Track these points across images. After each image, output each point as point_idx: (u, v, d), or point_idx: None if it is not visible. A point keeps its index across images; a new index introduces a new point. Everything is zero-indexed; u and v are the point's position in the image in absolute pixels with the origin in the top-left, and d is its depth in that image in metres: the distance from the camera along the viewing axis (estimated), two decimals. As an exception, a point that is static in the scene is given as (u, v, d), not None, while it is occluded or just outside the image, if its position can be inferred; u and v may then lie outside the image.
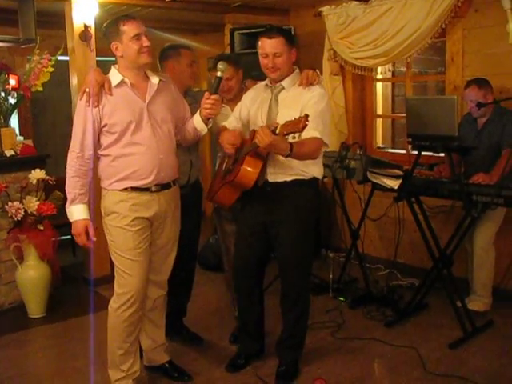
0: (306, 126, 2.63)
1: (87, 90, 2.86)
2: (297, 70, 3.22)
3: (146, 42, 2.88)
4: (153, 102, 3.00)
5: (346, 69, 5.46)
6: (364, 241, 4.90)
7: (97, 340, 3.74)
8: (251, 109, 3.24)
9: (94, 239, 3.00)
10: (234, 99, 3.60)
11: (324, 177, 4.37)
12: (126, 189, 2.96)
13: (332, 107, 5.51)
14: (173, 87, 3.18)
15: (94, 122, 2.87)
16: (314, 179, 3.22)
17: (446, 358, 3.59)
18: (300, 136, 2.82)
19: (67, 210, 2.98)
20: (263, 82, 3.29)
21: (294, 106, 3.05)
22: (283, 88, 3.17)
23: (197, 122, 3.16)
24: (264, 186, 3.15)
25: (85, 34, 4.77)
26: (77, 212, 2.95)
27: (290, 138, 2.81)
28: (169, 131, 3.07)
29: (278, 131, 2.70)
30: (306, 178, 3.16)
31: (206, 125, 3.14)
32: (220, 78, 3.07)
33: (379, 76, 5.60)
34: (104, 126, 2.90)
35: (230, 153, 3.13)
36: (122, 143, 2.93)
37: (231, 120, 3.35)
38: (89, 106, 2.86)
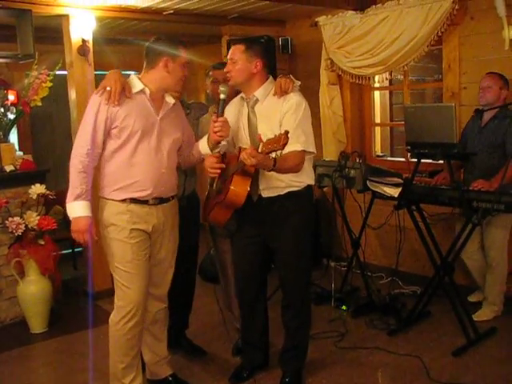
0: (286, 143, 2.63)
1: (108, 88, 2.86)
2: (270, 79, 3.19)
3: (186, 73, 3.02)
4: (165, 119, 3.03)
5: (344, 78, 5.47)
6: (365, 249, 4.88)
7: (99, 354, 3.72)
8: (233, 123, 3.20)
9: (96, 238, 3.00)
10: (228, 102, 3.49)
11: (324, 186, 4.60)
12: (124, 200, 2.96)
13: (330, 117, 5.60)
14: (181, 110, 3.24)
15: (107, 120, 2.87)
16: (308, 187, 3.22)
17: (449, 365, 3.57)
18: (280, 154, 2.82)
19: (69, 205, 2.92)
20: (239, 95, 3.28)
21: (272, 118, 3.05)
22: (257, 100, 3.15)
23: (203, 147, 3.20)
24: (258, 201, 3.16)
25: (83, 49, 4.81)
26: (81, 208, 2.91)
27: (273, 154, 2.79)
28: (174, 149, 3.10)
29: (260, 150, 2.70)
30: (299, 187, 3.15)
31: (215, 149, 3.16)
32: (224, 100, 3.09)
33: (377, 85, 5.61)
34: (114, 127, 2.90)
35: (214, 176, 3.13)
36: (127, 151, 2.93)
37: None
38: (107, 104, 2.85)
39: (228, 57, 3.14)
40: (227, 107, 3.27)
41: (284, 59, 6.01)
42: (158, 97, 3.02)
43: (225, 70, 3.15)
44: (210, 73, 3.66)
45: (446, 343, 3.85)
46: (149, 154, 2.96)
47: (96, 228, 3.01)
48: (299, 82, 3.19)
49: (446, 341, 3.90)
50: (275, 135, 2.68)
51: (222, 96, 3.07)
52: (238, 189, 2.97)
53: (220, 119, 3.03)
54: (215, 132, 3.03)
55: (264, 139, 2.74)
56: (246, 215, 3.20)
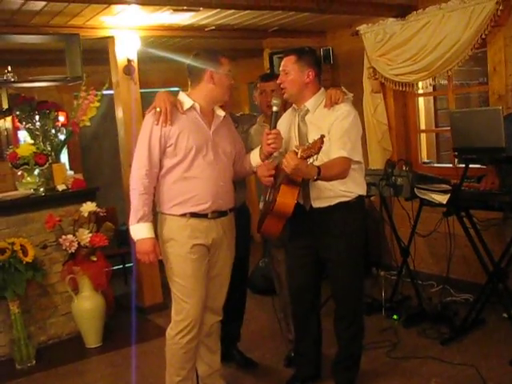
0: (321, 147, 2.64)
1: (158, 109, 2.92)
2: (321, 90, 3.19)
3: (232, 81, 3.05)
4: (217, 133, 3.07)
5: (387, 86, 5.41)
6: (415, 258, 4.83)
7: (153, 367, 3.78)
8: (285, 134, 3.23)
9: (161, 257, 3.03)
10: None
11: (371, 195, 4.56)
12: (184, 214, 2.98)
13: (374, 125, 5.56)
14: (232, 124, 3.28)
15: (161, 139, 2.91)
16: (360, 198, 3.20)
17: (508, 375, 3.47)
18: (316, 158, 2.80)
19: (133, 227, 2.96)
20: (292, 106, 3.32)
21: (322, 127, 3.04)
22: (308, 110, 3.16)
23: (254, 158, 3.22)
24: (310, 211, 3.16)
25: (128, 68, 4.90)
26: (145, 230, 2.94)
27: (316, 161, 2.80)
28: (229, 162, 3.14)
29: (299, 155, 2.70)
30: (350, 198, 3.14)
31: (267, 160, 3.17)
32: (276, 113, 3.11)
33: (420, 91, 5.53)
34: (169, 146, 2.94)
35: (269, 185, 3.14)
36: (184, 166, 2.96)
37: None
38: (158, 124, 2.90)
39: (280, 68, 3.17)
40: (280, 119, 3.31)
41: (326, 69, 5.92)
42: (208, 111, 3.06)
43: (278, 81, 3.18)
44: (258, 84, 3.69)
45: (503, 352, 3.74)
46: (206, 167, 2.99)
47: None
48: (351, 95, 3.21)
49: (502, 349, 3.79)
50: (313, 140, 2.70)
51: (274, 108, 3.10)
52: (286, 199, 2.97)
53: (273, 131, 3.06)
54: (268, 144, 3.06)
55: None
56: (299, 225, 3.21)
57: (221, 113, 3.10)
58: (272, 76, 3.68)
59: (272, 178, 3.07)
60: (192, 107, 3.01)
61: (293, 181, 2.95)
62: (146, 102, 3.16)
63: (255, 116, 3.86)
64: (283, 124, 3.27)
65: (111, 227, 4.73)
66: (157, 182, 3.01)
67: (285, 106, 3.45)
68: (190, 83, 3.07)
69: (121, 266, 6.13)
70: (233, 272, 3.33)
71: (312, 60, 3.18)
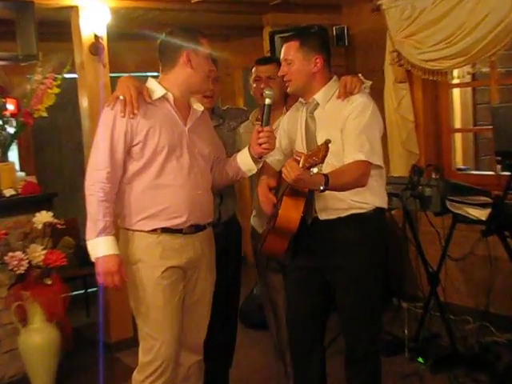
0: (325, 155, 2.66)
1: (121, 97, 2.90)
2: (334, 79, 3.22)
3: (214, 68, 3.11)
4: (194, 130, 3.08)
5: (414, 74, 5.42)
6: (446, 286, 4.81)
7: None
8: (291, 134, 3.29)
9: (127, 280, 3.00)
10: (276, 108, 3.56)
11: (392, 208, 4.56)
12: (155, 230, 2.98)
13: (398, 122, 5.58)
14: (210, 121, 3.31)
15: (127, 135, 2.90)
16: (377, 211, 3.20)
17: None
18: (321, 168, 2.80)
19: (92, 242, 2.93)
20: (298, 100, 3.34)
21: (333, 124, 3.08)
22: (318, 104, 3.20)
23: (243, 161, 3.22)
24: (314, 225, 3.18)
25: (96, 47, 4.90)
26: (107, 244, 2.91)
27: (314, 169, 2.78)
28: (207, 165, 3.16)
29: (301, 164, 2.71)
30: (365, 210, 3.15)
31: (256, 164, 3.20)
32: (269, 106, 3.12)
33: (456, 81, 5.58)
34: (136, 144, 2.93)
35: (268, 212, 3.18)
36: (153, 171, 2.96)
37: (273, 153, 3.32)
38: (123, 116, 2.88)
39: (281, 57, 3.20)
40: (285, 116, 3.40)
41: (339, 53, 5.98)
42: (183, 103, 3.07)
43: (279, 73, 3.21)
44: (253, 69, 3.71)
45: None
46: (180, 172, 3.00)
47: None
48: (369, 83, 3.22)
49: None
50: (317, 146, 2.73)
51: (267, 101, 3.12)
52: (289, 212, 3.00)
53: (266, 129, 3.08)
54: (259, 144, 3.08)
55: None
56: (301, 243, 3.22)
57: (199, 107, 3.12)
58: (270, 59, 3.74)
59: (271, 207, 3.13)
60: (164, 97, 3.01)
61: (297, 191, 2.98)
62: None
63: (246, 111, 3.90)
64: (288, 121, 3.32)
65: (71, 243, 4.70)
66: (119, 189, 3.00)
67: (285, 99, 3.55)
68: (161, 68, 3.08)
69: (82, 292, 6.08)
70: (220, 301, 3.33)
71: (319, 43, 3.20)
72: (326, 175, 2.78)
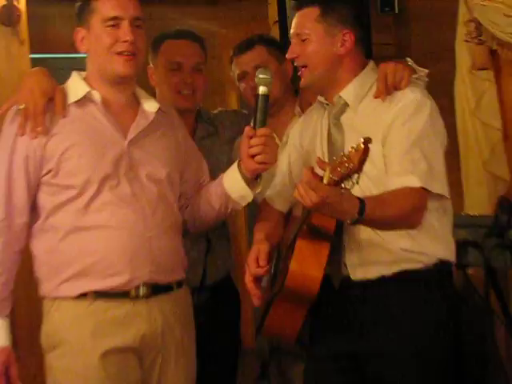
0: (364, 159, 2.29)
1: (20, 106, 2.68)
2: (370, 66, 2.89)
3: (127, 35, 2.68)
4: (140, 143, 2.77)
5: (503, 56, 4.69)
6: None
7: None
8: (305, 149, 2.99)
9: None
10: (279, 113, 3.35)
11: (467, 264, 4.05)
12: (84, 295, 2.66)
13: (476, 131, 4.81)
14: (179, 125, 3.05)
15: (29, 162, 2.64)
16: (441, 266, 2.78)
17: None
18: (357, 181, 2.44)
19: None
20: (317, 99, 3.08)
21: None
22: (346, 104, 2.85)
23: (231, 184, 2.87)
24: (343, 288, 2.80)
25: (8, 14, 4.60)
26: None
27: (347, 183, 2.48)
28: (165, 196, 2.83)
29: (325, 180, 2.35)
30: (422, 265, 2.73)
31: (252, 188, 2.83)
32: (265, 97, 2.75)
33: None
34: (47, 172, 2.65)
35: (255, 296, 2.85)
36: (75, 208, 2.67)
37: (276, 183, 3.06)
38: (22, 134, 2.65)
39: (292, 31, 2.93)
40: (294, 127, 3.14)
41: (385, 25, 5.25)
42: (122, 104, 2.79)
43: (289, 55, 2.88)
44: (233, 62, 3.51)
45: None
46: (117, 208, 2.68)
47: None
48: (425, 71, 2.87)
49: None
50: (352, 148, 2.34)
51: (261, 90, 2.75)
52: (306, 266, 2.62)
53: (260, 132, 2.71)
54: (251, 156, 2.70)
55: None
56: (325, 316, 2.88)
57: (151, 107, 2.83)
58: (252, 42, 3.47)
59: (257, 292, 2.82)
60: (87, 98, 2.72)
61: (317, 231, 2.64)
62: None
63: (247, 116, 3.62)
64: (302, 131, 3.06)
65: None
66: (29, 241, 2.77)
67: (295, 95, 3.41)
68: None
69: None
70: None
71: (349, 12, 2.86)
72: (360, 199, 2.45)
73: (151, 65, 3.40)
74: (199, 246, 3.26)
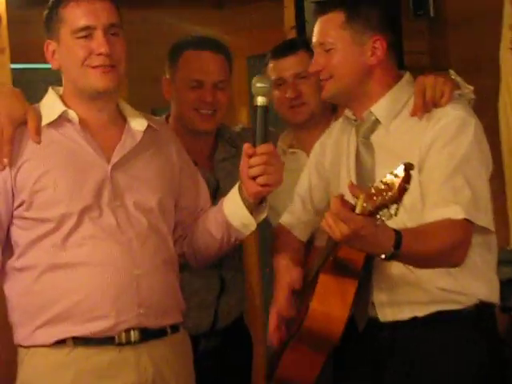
0: (405, 188, 2.12)
1: None
2: (405, 79, 2.80)
3: (101, 47, 2.58)
4: (125, 167, 2.70)
5: None
6: None
7: None
8: (327, 169, 2.94)
9: None
10: (314, 129, 3.25)
11: (511, 308, 3.96)
12: (62, 342, 2.54)
13: None
14: (174, 143, 2.95)
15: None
16: (483, 308, 2.68)
17: None
18: (396, 213, 2.26)
19: None
20: (343, 115, 3.03)
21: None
22: (378, 121, 2.75)
23: (232, 211, 2.75)
24: (370, 330, 2.70)
25: None
26: None
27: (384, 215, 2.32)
28: (156, 227, 2.72)
29: (358, 209, 2.20)
30: (461, 306, 2.63)
31: (256, 215, 2.72)
32: (264, 109, 2.65)
33: None
34: (20, 205, 2.58)
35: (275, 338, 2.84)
36: (54, 242, 2.56)
37: (294, 209, 2.96)
38: None
39: (314, 40, 2.84)
40: (315, 147, 3.05)
41: (418, 31, 4.96)
42: (105, 123, 2.72)
43: (311, 68, 2.81)
44: (270, 66, 3.35)
45: None
46: (99, 241, 2.58)
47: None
48: (470, 88, 2.77)
49: None
50: (390, 174, 2.20)
51: (259, 101, 2.64)
52: (329, 305, 2.60)
53: (260, 150, 2.60)
54: (252, 177, 2.59)
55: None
56: (349, 363, 2.83)
57: (138, 124, 2.73)
58: (295, 45, 3.40)
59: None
60: (64, 117, 2.66)
61: (344, 266, 2.64)
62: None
63: (273, 134, 3.39)
64: (317, 153, 3.04)
65: None
66: (1, 282, 2.80)
67: (332, 111, 3.38)
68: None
69: None
70: None
71: (379, 15, 2.77)
72: (396, 231, 2.37)
73: (167, 75, 3.26)
74: (210, 284, 3.12)
